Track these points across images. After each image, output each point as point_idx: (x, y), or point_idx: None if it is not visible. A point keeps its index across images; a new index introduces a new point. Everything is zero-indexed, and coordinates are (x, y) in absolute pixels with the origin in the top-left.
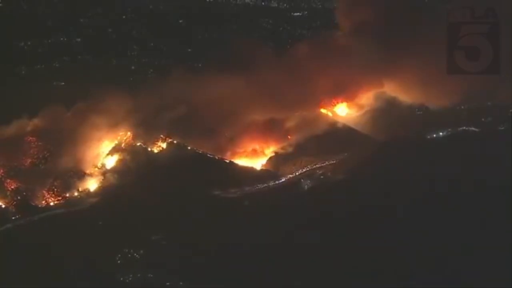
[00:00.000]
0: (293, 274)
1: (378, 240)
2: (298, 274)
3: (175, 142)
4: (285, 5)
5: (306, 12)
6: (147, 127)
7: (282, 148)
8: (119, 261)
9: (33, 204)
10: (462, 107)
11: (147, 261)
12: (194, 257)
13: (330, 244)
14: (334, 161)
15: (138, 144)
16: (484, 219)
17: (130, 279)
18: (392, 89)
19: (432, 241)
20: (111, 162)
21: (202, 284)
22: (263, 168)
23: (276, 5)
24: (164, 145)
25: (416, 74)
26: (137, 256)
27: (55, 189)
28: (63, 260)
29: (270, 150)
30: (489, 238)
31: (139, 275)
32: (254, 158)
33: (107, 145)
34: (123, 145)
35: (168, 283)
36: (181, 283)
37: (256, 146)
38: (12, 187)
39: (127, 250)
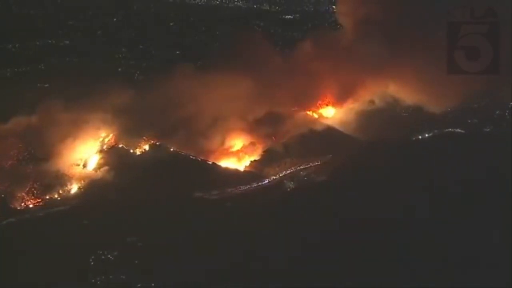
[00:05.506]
0: (275, 276)
1: (362, 241)
2: (280, 276)
3: (157, 144)
4: (277, 8)
5: (297, 15)
6: (130, 129)
7: (266, 150)
8: (92, 263)
9: (12, 206)
10: (449, 108)
11: (121, 263)
12: (169, 259)
13: (313, 246)
14: (318, 163)
15: (120, 146)
16: (471, 220)
17: (102, 279)
18: (382, 91)
19: (418, 240)
20: (92, 163)
21: (175, 285)
22: (247, 169)
23: (268, 8)
24: (146, 147)
25: (413, 74)
26: (110, 257)
27: (35, 191)
28: (37, 261)
29: (254, 152)
30: (476, 238)
31: (111, 276)
32: (237, 159)
33: (89, 146)
34: (105, 146)
35: (139, 285)
36: (153, 284)
37: (240, 147)
38: None
39: (101, 252)
